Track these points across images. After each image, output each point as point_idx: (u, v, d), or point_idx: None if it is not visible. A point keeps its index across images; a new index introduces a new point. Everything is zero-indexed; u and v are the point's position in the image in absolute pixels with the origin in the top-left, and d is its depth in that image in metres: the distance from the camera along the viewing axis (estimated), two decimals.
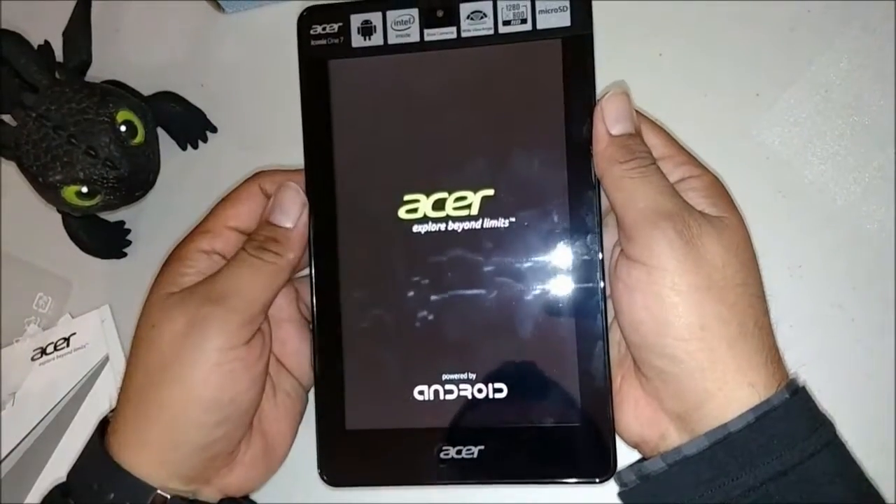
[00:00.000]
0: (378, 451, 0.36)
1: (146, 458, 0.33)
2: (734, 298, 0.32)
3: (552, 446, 0.34)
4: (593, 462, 0.34)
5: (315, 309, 0.37)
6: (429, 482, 0.36)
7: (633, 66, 0.41)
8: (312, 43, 0.37)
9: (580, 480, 0.34)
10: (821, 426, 0.31)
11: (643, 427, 0.34)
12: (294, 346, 0.38)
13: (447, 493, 0.41)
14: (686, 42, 0.43)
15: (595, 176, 0.34)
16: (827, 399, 0.39)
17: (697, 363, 0.31)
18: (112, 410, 0.36)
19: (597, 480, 0.34)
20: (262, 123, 0.47)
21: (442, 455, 0.35)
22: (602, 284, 0.34)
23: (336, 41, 0.37)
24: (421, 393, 0.35)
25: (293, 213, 0.36)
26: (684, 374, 0.31)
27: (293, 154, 0.43)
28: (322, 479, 0.36)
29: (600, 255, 0.34)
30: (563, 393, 0.34)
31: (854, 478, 0.31)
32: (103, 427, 0.36)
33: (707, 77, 0.43)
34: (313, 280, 0.37)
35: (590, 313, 0.34)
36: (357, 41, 0.36)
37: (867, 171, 0.41)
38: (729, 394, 0.31)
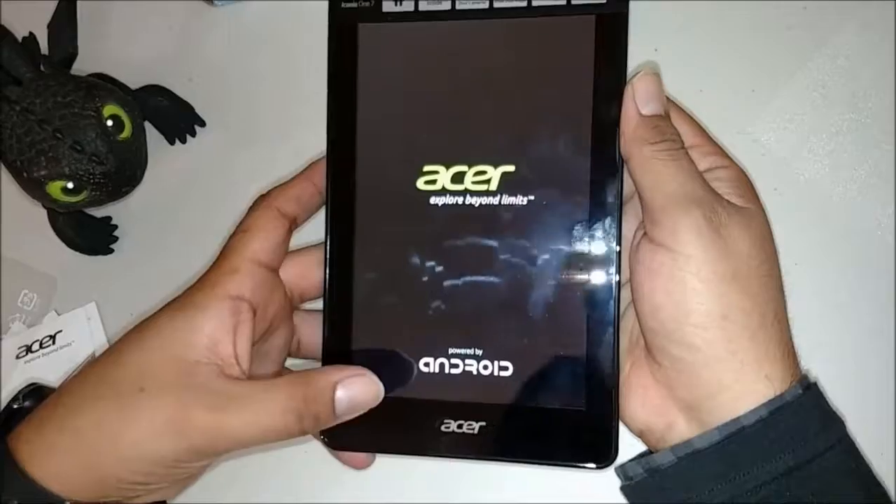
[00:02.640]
0: (379, 418, 0.35)
1: (55, 479, 0.31)
2: (757, 289, 0.31)
3: (553, 428, 0.34)
4: (594, 448, 0.34)
5: (328, 274, 0.36)
6: (427, 453, 0.36)
7: (629, 62, 0.41)
8: (343, 6, 0.36)
9: (578, 465, 0.34)
10: (832, 423, 0.31)
11: (650, 415, 0.33)
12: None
13: (444, 467, 0.41)
14: (682, 38, 0.43)
15: (620, 158, 0.34)
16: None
17: (715, 353, 0.31)
18: (16, 399, 0.35)
19: (594, 466, 0.34)
20: (250, 117, 0.47)
21: (442, 428, 0.35)
22: (617, 270, 0.34)
23: (367, 4, 0.36)
24: (426, 365, 0.35)
25: (354, 411, 0.33)
26: (700, 364, 0.31)
27: (282, 148, 0.42)
28: (321, 439, 0.36)
29: (618, 240, 0.34)
30: (568, 376, 0.34)
31: (864, 475, 0.31)
32: (7, 419, 0.33)
33: (703, 73, 0.43)
34: (328, 245, 0.36)
35: (603, 298, 0.34)
36: (388, 6, 0.36)
37: (864, 168, 0.41)
38: (745, 386, 0.30)
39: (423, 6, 0.36)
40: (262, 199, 0.35)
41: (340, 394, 0.32)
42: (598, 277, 0.34)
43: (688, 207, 0.31)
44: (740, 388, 0.30)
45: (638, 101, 0.33)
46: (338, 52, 0.36)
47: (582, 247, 0.34)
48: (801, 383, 0.31)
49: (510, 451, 0.35)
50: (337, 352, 0.36)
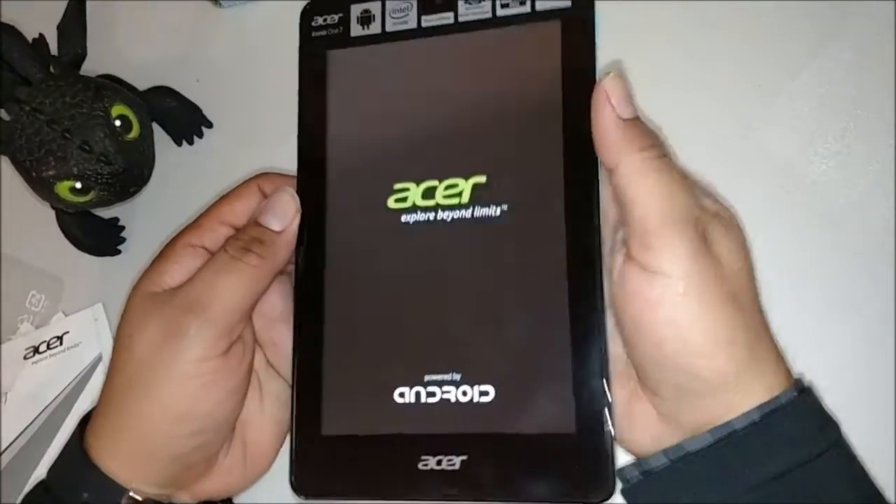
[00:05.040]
0: (353, 460, 0.33)
1: (118, 463, 0.33)
2: (748, 301, 0.30)
3: (542, 458, 0.31)
4: (589, 480, 0.30)
5: (297, 304, 0.35)
6: (405, 496, 0.32)
7: (632, 61, 0.41)
8: (313, 35, 0.37)
9: (574, 501, 0.30)
10: (826, 426, 0.30)
11: (655, 441, 0.31)
12: (287, 349, 0.36)
13: None
14: (686, 37, 0.43)
15: (595, 162, 0.32)
16: (828, 400, 0.38)
17: (723, 378, 0.29)
18: (95, 407, 0.36)
19: (592, 501, 0.30)
20: (258, 119, 0.47)
21: (420, 465, 0.32)
22: (600, 277, 0.32)
23: (336, 31, 0.36)
24: (402, 395, 0.33)
25: (284, 216, 0.34)
26: (708, 391, 0.30)
27: (289, 150, 0.42)
28: (293, 488, 0.33)
29: (599, 245, 0.32)
30: (555, 397, 0.31)
31: (859, 478, 0.30)
32: (84, 423, 0.35)
33: (707, 74, 0.43)
34: (296, 273, 0.35)
35: (586, 310, 0.31)
36: (356, 30, 0.36)
37: (870, 167, 0.41)
38: (744, 397, 0.30)
39: (389, 27, 0.35)
40: (255, 175, 0.37)
41: (261, 217, 0.34)
42: (579, 289, 0.32)
43: (684, 229, 0.29)
44: (740, 399, 0.30)
45: (617, 105, 0.31)
46: (308, 80, 0.36)
47: (561, 257, 0.32)
48: (795, 386, 0.30)
49: (495, 489, 0.31)
50: (307, 387, 0.34)
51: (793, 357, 0.39)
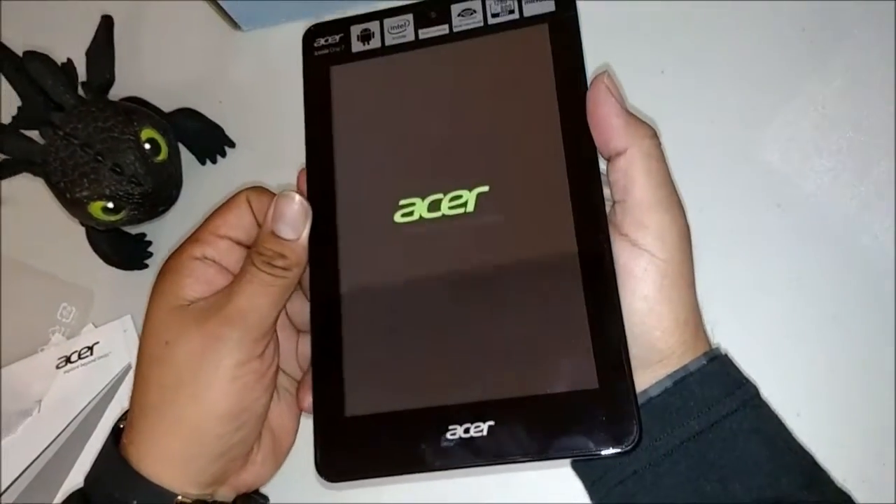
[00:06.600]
0: (379, 438, 0.34)
1: (166, 467, 0.34)
2: (694, 286, 0.33)
3: (568, 416, 0.32)
4: (615, 430, 0.31)
5: (313, 305, 0.36)
6: (434, 468, 0.33)
7: (635, 82, 0.42)
8: (315, 54, 0.39)
9: (604, 451, 0.31)
10: (738, 389, 0.33)
11: None
12: (288, 351, 0.39)
13: (456, 487, 0.42)
14: (687, 58, 0.45)
15: (594, 151, 0.34)
16: (825, 409, 0.40)
17: (670, 352, 0.33)
18: (122, 419, 0.37)
19: (618, 450, 0.31)
20: (278, 138, 0.48)
21: (448, 435, 0.32)
22: (608, 248, 0.33)
23: (337, 49, 0.38)
24: (425, 370, 0.34)
25: (297, 224, 0.36)
26: (655, 362, 0.33)
27: None
28: (320, 475, 0.34)
29: (605, 216, 0.33)
30: (575, 357, 0.32)
31: (771, 434, 0.32)
32: (116, 436, 0.37)
33: (708, 92, 0.44)
34: (311, 268, 0.36)
35: (600, 279, 0.33)
36: (356, 47, 0.38)
37: (864, 184, 0.42)
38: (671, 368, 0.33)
39: (388, 41, 0.38)
40: (243, 190, 0.38)
41: (275, 226, 0.35)
42: (591, 265, 0.33)
43: (677, 215, 0.32)
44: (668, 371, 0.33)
45: (615, 95, 0.33)
46: (312, 95, 0.38)
47: (570, 232, 0.33)
48: (705, 355, 0.33)
49: (525, 449, 0.32)
50: (328, 370, 0.35)
51: (786, 366, 0.41)
